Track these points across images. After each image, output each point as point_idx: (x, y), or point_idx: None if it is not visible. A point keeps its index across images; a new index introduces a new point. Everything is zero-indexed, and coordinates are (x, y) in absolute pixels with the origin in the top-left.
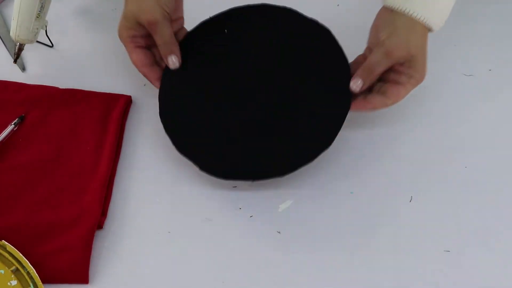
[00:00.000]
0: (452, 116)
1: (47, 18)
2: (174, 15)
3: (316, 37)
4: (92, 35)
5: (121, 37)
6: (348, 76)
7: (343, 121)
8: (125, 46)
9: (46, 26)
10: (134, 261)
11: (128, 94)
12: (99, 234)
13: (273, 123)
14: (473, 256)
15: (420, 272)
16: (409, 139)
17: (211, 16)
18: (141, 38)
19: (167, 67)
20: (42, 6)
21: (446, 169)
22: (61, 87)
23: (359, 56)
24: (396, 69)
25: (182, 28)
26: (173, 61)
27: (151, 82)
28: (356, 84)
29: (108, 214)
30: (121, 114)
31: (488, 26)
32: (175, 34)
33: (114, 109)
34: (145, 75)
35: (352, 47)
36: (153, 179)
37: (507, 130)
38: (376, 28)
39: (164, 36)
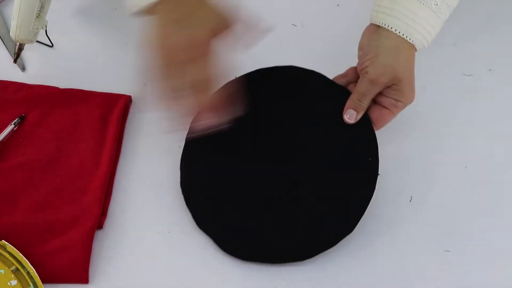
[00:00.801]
0: (452, 116)
1: (47, 18)
2: None
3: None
4: (92, 35)
5: None
6: (376, 154)
7: (367, 206)
8: None
9: (46, 26)
10: (134, 261)
11: (128, 94)
12: (99, 234)
13: (295, 203)
14: (473, 256)
15: (420, 272)
16: (408, 139)
17: (236, 76)
18: None
19: (188, 136)
20: (42, 6)
21: (446, 169)
22: (61, 87)
23: (349, 69)
24: (382, 92)
25: None
26: None
27: None
28: (349, 116)
29: (108, 214)
30: (121, 114)
31: (488, 26)
32: None
33: (114, 109)
34: None
35: (352, 47)
36: (153, 179)
37: (507, 130)
38: (361, 48)
39: None
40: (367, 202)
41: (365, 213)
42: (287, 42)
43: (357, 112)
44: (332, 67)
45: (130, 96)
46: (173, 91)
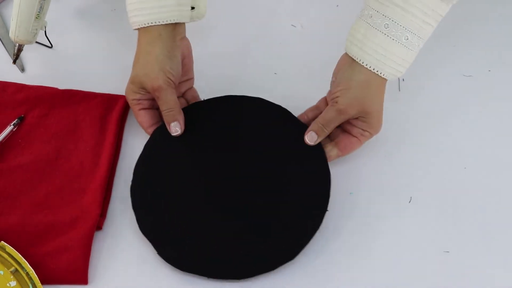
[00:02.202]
0: (451, 116)
1: (46, 18)
2: (183, 78)
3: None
4: (92, 35)
5: (127, 99)
6: (327, 189)
7: (310, 239)
8: (131, 107)
9: (45, 27)
10: (133, 262)
11: None
12: (98, 235)
13: (242, 222)
14: (473, 256)
15: (420, 272)
16: (408, 139)
17: (204, 99)
18: (147, 101)
19: (151, 138)
20: (41, 7)
21: (445, 169)
22: (60, 87)
23: (320, 101)
24: (350, 121)
25: (191, 88)
26: (176, 129)
27: None
28: (309, 138)
29: (107, 215)
30: (121, 114)
31: (488, 27)
32: (184, 94)
33: (114, 109)
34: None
35: None
36: None
37: (507, 130)
38: (335, 75)
39: (167, 103)
40: (311, 235)
41: (364, 209)
42: (287, 43)
43: (318, 136)
44: (331, 67)
45: None
46: None
